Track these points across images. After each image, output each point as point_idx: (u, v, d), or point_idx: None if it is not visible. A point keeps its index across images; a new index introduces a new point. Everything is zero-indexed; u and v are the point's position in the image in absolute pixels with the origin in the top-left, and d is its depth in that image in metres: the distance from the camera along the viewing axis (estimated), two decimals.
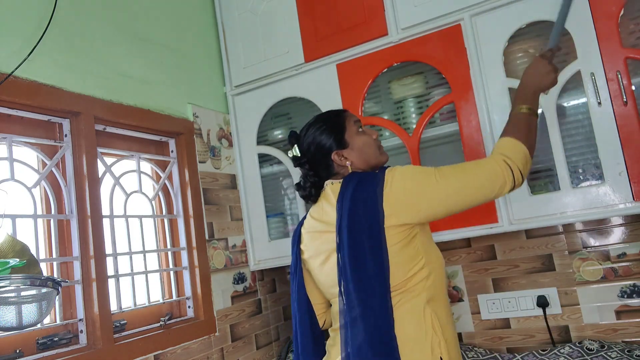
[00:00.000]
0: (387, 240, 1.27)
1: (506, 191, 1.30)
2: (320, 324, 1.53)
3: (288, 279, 2.49)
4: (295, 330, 1.51)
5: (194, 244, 1.98)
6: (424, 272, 1.30)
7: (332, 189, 1.41)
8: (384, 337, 1.22)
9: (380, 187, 1.29)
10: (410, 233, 1.30)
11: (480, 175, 1.29)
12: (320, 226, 1.42)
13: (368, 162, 1.44)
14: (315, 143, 1.45)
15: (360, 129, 1.48)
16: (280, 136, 2.36)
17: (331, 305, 1.48)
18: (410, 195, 1.28)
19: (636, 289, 1.89)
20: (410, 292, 1.28)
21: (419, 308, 1.27)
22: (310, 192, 1.47)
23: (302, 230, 1.51)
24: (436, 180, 1.28)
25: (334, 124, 1.46)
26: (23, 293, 1.20)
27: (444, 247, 2.20)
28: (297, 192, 1.55)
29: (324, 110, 2.10)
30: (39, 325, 1.41)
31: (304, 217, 1.53)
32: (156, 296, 1.90)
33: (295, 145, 1.50)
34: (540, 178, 1.85)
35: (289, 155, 1.53)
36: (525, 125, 1.36)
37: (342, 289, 1.28)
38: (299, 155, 1.49)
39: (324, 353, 1.44)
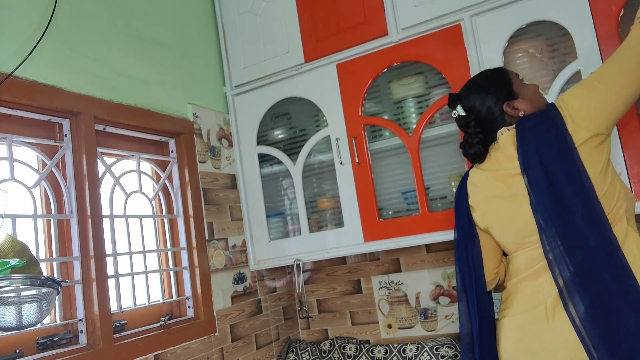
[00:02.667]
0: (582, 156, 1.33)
1: None
2: (490, 283, 1.61)
3: (288, 279, 2.49)
4: (472, 288, 1.57)
5: (194, 244, 1.98)
6: (617, 184, 1.37)
7: (510, 134, 1.46)
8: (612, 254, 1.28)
9: (559, 115, 1.37)
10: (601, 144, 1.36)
11: (632, 52, 1.34)
12: (504, 171, 1.46)
13: (539, 109, 1.47)
14: (484, 98, 1.49)
15: (522, 81, 1.54)
16: (280, 136, 2.36)
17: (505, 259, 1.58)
18: (585, 111, 1.35)
19: None
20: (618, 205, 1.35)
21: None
22: (480, 149, 1.51)
23: (471, 186, 1.56)
24: (597, 83, 1.36)
25: (499, 77, 1.52)
26: (23, 293, 1.20)
27: (443, 247, 2.20)
28: (464, 152, 1.57)
29: (324, 110, 2.11)
30: (39, 325, 1.41)
31: (466, 177, 1.59)
32: (156, 296, 1.90)
33: (459, 106, 1.54)
34: None
35: (453, 116, 1.57)
36: None
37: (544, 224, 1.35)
38: (465, 114, 1.53)
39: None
